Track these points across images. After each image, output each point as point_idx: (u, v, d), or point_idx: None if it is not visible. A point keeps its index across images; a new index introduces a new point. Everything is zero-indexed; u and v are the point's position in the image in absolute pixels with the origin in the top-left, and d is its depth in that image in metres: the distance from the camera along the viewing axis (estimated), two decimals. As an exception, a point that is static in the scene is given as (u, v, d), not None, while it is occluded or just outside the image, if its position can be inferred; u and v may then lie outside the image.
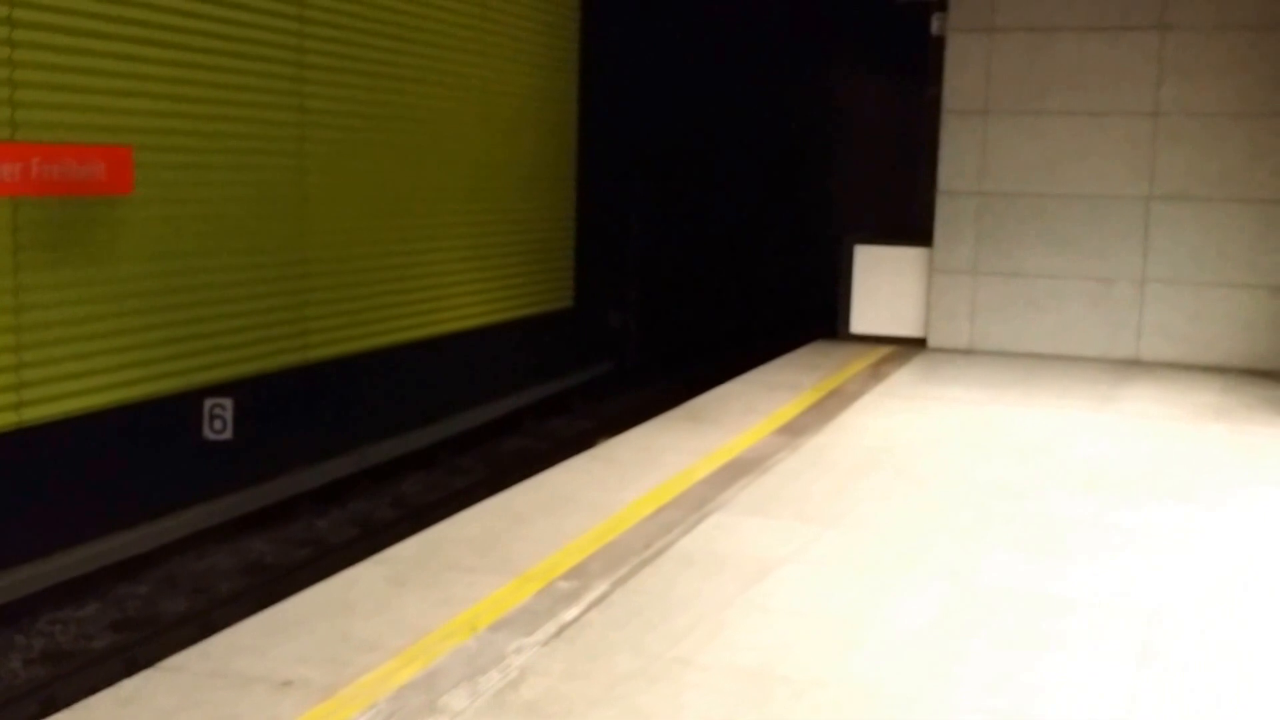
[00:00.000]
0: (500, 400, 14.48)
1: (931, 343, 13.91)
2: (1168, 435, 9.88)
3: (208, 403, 9.80)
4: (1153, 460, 9.06)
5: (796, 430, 9.65)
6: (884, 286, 14.39)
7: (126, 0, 9.09)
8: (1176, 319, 13.10)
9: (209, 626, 7.37)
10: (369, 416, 11.96)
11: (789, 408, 10.50)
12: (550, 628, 5.56)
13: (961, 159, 13.68)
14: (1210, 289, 12.98)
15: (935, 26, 13.80)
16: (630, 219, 17.09)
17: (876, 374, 12.27)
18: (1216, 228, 12.91)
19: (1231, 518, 7.66)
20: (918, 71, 14.75)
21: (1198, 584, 6.43)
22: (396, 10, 12.30)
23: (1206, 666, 5.38)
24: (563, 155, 15.54)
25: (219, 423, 9.82)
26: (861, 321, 14.50)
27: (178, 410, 9.56)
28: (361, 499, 11.56)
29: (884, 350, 13.69)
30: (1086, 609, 6.00)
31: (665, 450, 8.90)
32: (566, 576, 6.22)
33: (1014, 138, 13.46)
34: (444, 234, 13.48)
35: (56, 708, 5.40)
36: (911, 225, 14.76)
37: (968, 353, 13.65)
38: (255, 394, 10.20)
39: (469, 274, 14.02)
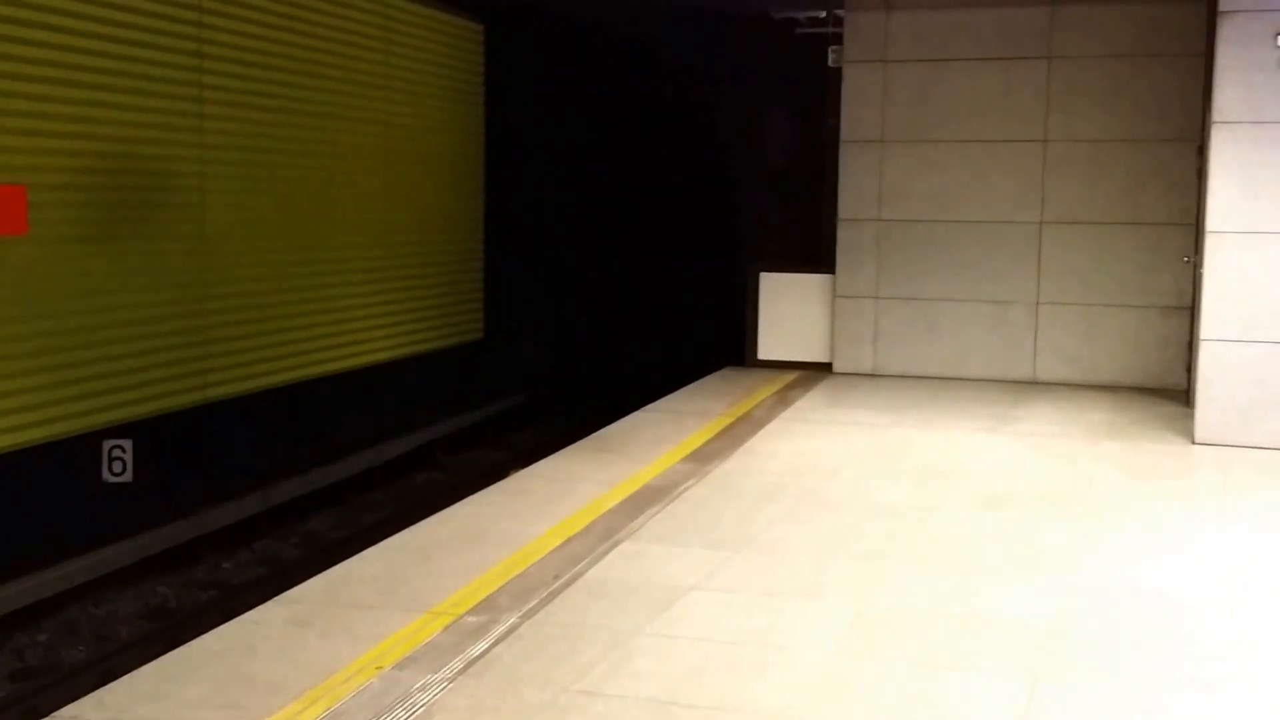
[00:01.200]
0: (410, 435, 14.32)
1: (836, 367, 14.00)
2: (1064, 454, 10.01)
3: (107, 444, 9.56)
4: (1049, 479, 9.16)
5: (705, 457, 9.65)
6: (789, 313, 14.48)
7: (24, 38, 8.90)
8: (1069, 340, 13.31)
9: (109, 675, 7.16)
10: (274, 454, 11.76)
11: (697, 435, 10.49)
12: (457, 663, 5.48)
13: (860, 188, 13.82)
14: (1101, 310, 13.21)
15: (832, 58, 13.95)
16: (540, 251, 17.04)
17: (783, 400, 12.32)
18: (1105, 250, 13.15)
19: (1125, 534, 7.76)
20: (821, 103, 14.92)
21: (1092, 600, 6.50)
22: (299, 45, 12.18)
23: (1100, 684, 5.42)
24: (471, 188, 15.47)
25: (119, 465, 9.58)
26: (768, 348, 14.57)
27: (76, 453, 9.31)
28: (268, 538, 11.34)
29: (790, 376, 13.76)
30: (985, 627, 6.04)
31: (574, 480, 8.85)
32: (474, 611, 6.14)
33: (910, 166, 13.63)
34: (350, 268, 13.34)
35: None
36: (819, 254, 14.92)
37: (872, 376, 13.76)
38: (156, 434, 9.98)
39: (377, 308, 13.88)
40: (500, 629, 5.88)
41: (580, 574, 6.74)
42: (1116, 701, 5.20)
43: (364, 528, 11.53)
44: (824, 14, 14.31)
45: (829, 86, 14.12)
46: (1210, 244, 10.44)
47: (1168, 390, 12.73)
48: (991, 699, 5.20)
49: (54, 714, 4.90)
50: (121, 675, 5.36)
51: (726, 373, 14.08)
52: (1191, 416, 10.64)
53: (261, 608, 6.10)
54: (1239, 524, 8.03)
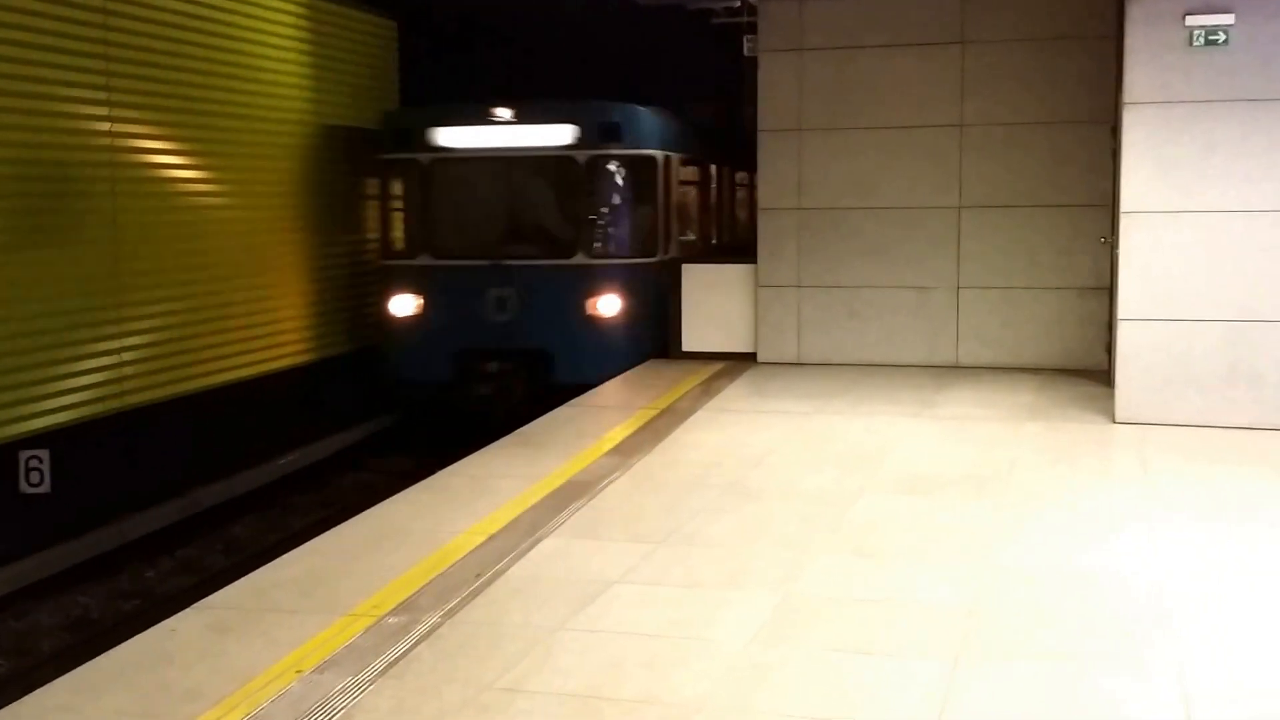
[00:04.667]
0: (334, 436, 14.26)
1: (761, 357, 14.11)
2: (986, 437, 10.17)
3: (23, 455, 9.46)
4: (971, 462, 9.32)
5: (628, 451, 9.71)
6: (713, 304, 14.57)
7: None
8: (991, 323, 13.51)
9: (31, 688, 7.09)
10: (196, 460, 11.67)
11: (621, 429, 10.55)
12: (378, 665, 5.50)
13: (779, 177, 13.93)
14: (1021, 293, 13.42)
15: (747, 48, 14.05)
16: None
17: (708, 390, 12.40)
18: (1024, 233, 13.36)
19: (1046, 515, 7.92)
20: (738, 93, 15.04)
21: (1012, 582, 6.63)
22: (209, 48, 12.09)
23: (1021, 665, 5.54)
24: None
25: (36, 475, 9.48)
26: (692, 339, 14.65)
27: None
28: (192, 546, 11.26)
29: (715, 367, 13.85)
30: (907, 611, 6.14)
31: (497, 477, 8.87)
32: (395, 611, 6.15)
33: (828, 154, 13.75)
34: (267, 271, 13.26)
35: None
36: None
37: (796, 365, 13.88)
38: (73, 444, 9.88)
39: (296, 310, 13.81)
40: (421, 629, 5.91)
41: (502, 571, 6.77)
42: (1037, 682, 5.31)
43: (292, 533, 11.45)
44: (739, 3, 14.39)
45: (744, 75, 14.22)
46: (1125, 224, 10.65)
47: (1089, 371, 12.96)
48: (912, 682, 5.30)
49: (-33, 729, 4.92)
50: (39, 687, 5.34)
51: (652, 365, 14.14)
52: (1112, 396, 10.85)
53: (179, 615, 6.08)
54: (1158, 504, 8.21)
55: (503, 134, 14.19)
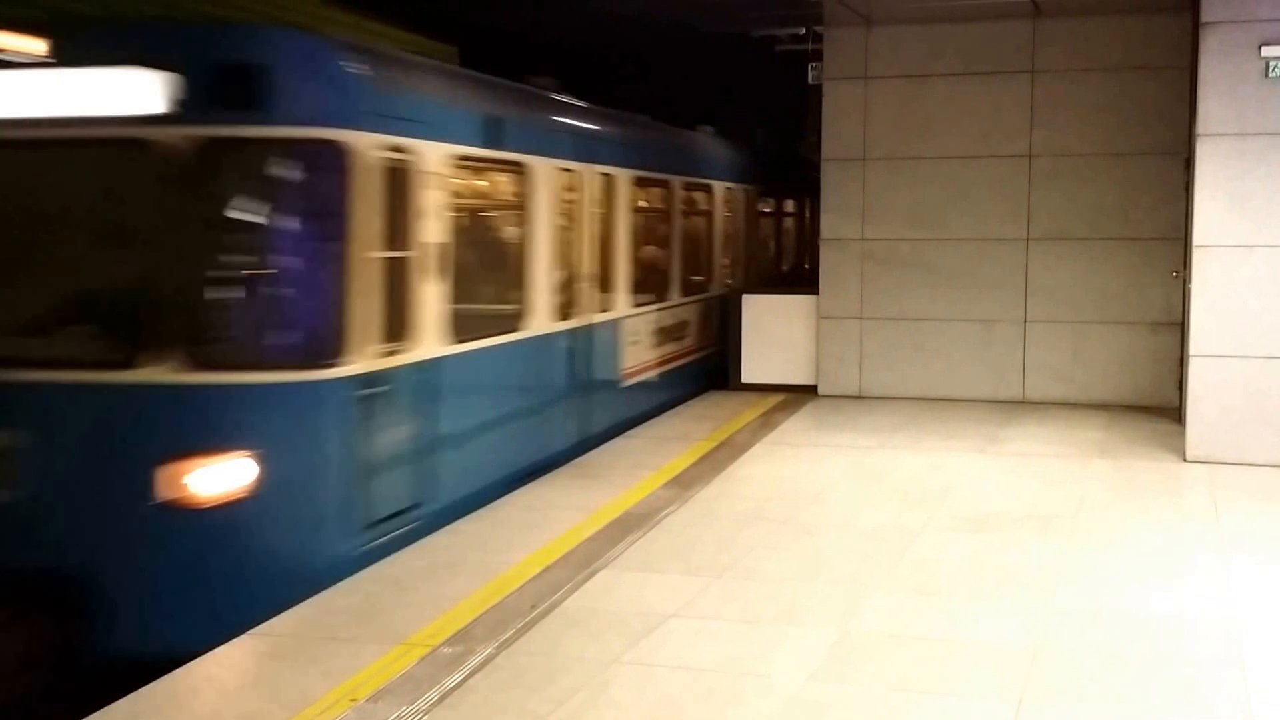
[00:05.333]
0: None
1: (822, 389, 14.11)
2: (1052, 474, 10.13)
3: None
4: (1037, 500, 9.28)
5: (686, 483, 9.75)
6: (773, 335, 14.58)
7: None
8: (1059, 358, 13.43)
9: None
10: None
11: (679, 460, 10.59)
12: (433, 695, 5.56)
13: (843, 206, 13.95)
14: (1090, 327, 13.34)
15: (812, 75, 14.09)
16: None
17: (767, 423, 12.42)
18: (1093, 266, 13.29)
19: (1113, 555, 7.87)
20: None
21: (1078, 623, 6.60)
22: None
23: (1087, 709, 5.52)
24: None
25: None
26: (752, 371, 14.67)
27: None
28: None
29: (775, 399, 13.87)
30: (968, 651, 6.14)
31: (553, 508, 8.94)
32: (450, 642, 6.22)
33: (892, 183, 13.76)
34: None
35: None
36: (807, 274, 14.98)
37: (858, 398, 13.87)
38: None
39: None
40: (476, 659, 5.97)
41: (558, 603, 6.83)
42: (1098, 723, 5.30)
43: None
44: (803, 31, 14.44)
45: (809, 103, 14.26)
46: (1197, 258, 10.60)
47: (1160, 407, 12.86)
48: (972, 722, 5.30)
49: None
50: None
51: (710, 397, 14.18)
52: (1183, 434, 10.77)
53: (235, 641, 6.17)
54: (1230, 545, 8.14)
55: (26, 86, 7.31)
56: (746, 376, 14.63)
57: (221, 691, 5.59)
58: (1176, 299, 12.74)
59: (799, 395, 14.05)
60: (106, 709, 5.40)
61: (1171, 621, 6.60)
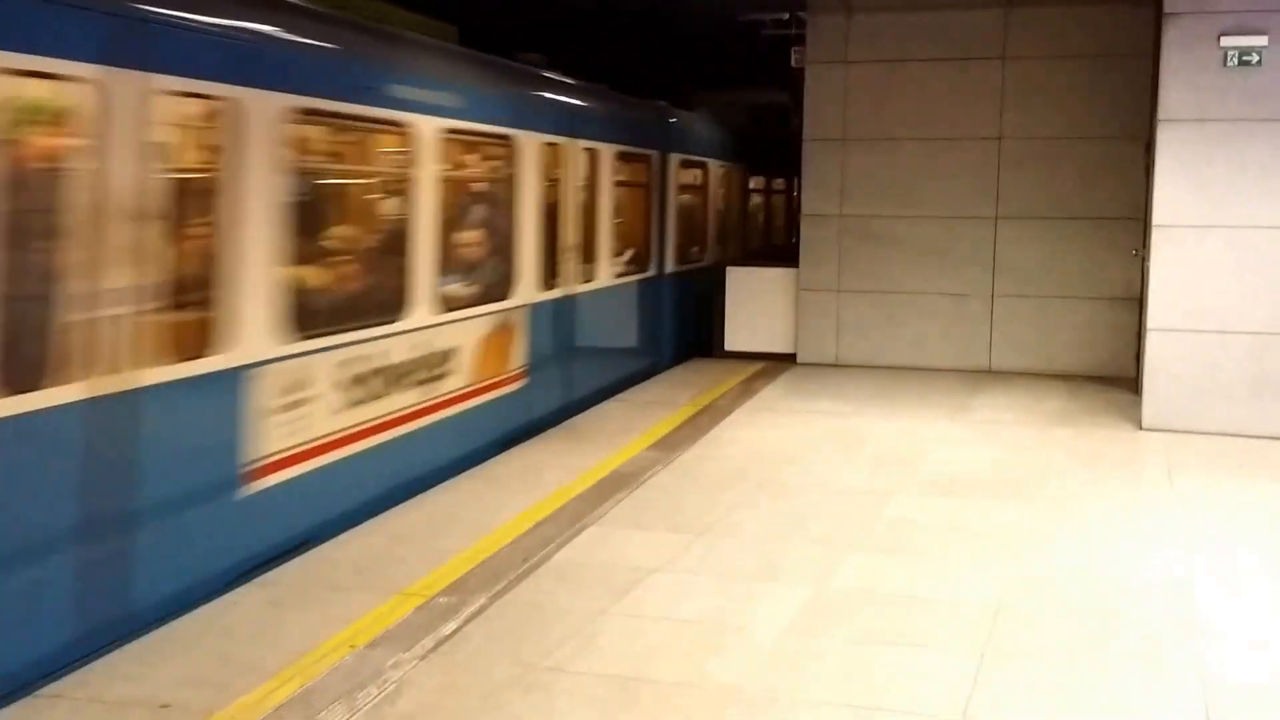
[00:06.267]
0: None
1: (801, 358, 14.10)
2: (1017, 441, 10.13)
3: None
4: (1001, 465, 9.29)
5: (670, 446, 9.73)
6: (755, 306, 14.56)
7: None
8: (1024, 331, 13.45)
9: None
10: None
11: (663, 424, 10.57)
12: (428, 642, 5.55)
13: (823, 184, 13.92)
14: (1054, 301, 13.35)
15: (795, 59, 14.04)
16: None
17: (748, 389, 12.40)
18: (1058, 244, 13.29)
19: (1073, 518, 7.88)
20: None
21: (1039, 583, 6.61)
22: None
23: (1048, 664, 5.53)
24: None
25: None
26: (734, 340, 14.65)
27: None
28: None
29: (756, 367, 13.85)
30: (935, 608, 6.14)
31: (544, 468, 8.92)
32: (445, 592, 6.20)
33: (870, 163, 13.73)
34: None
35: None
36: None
37: (835, 367, 13.86)
38: None
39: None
40: (470, 609, 5.96)
41: (548, 557, 6.81)
42: (1063, 680, 5.30)
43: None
44: (787, 16, 14.38)
45: (791, 86, 14.20)
46: (1156, 237, 10.59)
47: (1118, 378, 12.87)
48: (940, 675, 5.30)
49: (37, 692, 4.95)
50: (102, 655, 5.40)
51: (694, 364, 14.16)
52: (1140, 404, 10.78)
53: (239, 589, 6.15)
54: (1183, 509, 8.16)
55: None
56: (729, 345, 14.61)
57: (225, 637, 5.56)
58: (1135, 276, 12.73)
59: (778, 364, 14.03)
60: (112, 654, 5.37)
61: (1128, 583, 6.61)
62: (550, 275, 10.68)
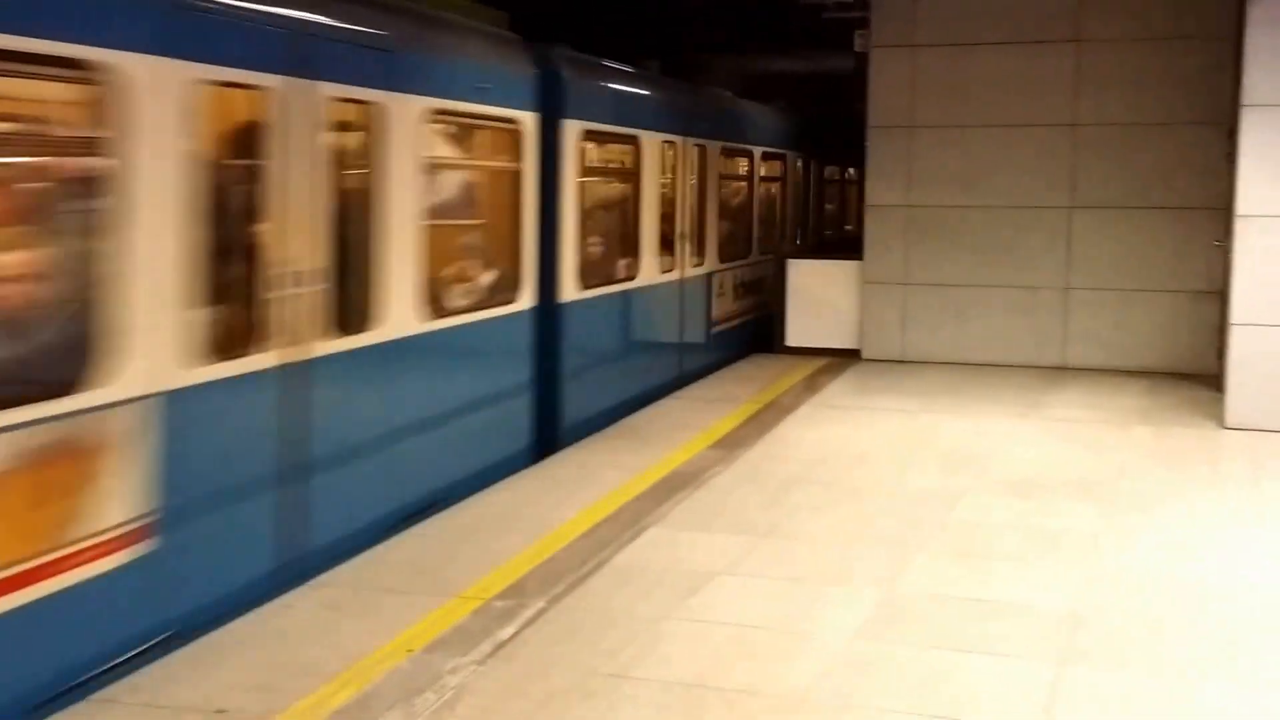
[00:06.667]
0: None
1: (865, 354, 14.02)
2: (1094, 440, 10.02)
3: None
4: (1078, 465, 9.18)
5: (732, 444, 9.70)
6: (818, 300, 14.50)
7: None
8: (1100, 325, 13.30)
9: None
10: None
11: (725, 422, 10.55)
12: (486, 647, 5.56)
13: (889, 173, 13.83)
14: (1132, 294, 13.19)
15: (859, 43, 13.95)
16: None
17: (811, 386, 12.35)
18: (1137, 235, 13.13)
19: (1154, 520, 7.78)
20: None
21: (1119, 587, 6.53)
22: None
23: (1123, 667, 5.46)
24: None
25: None
26: (796, 335, 14.60)
27: None
28: None
29: (819, 363, 13.79)
30: (1011, 612, 6.08)
31: (602, 467, 8.92)
32: (503, 595, 6.22)
33: (937, 151, 13.63)
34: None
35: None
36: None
37: (900, 362, 13.77)
38: None
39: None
40: (528, 613, 5.96)
41: (607, 559, 6.81)
42: (1143, 689, 5.23)
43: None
44: (851, -1, 14.30)
45: (855, 71, 14.13)
46: (1239, 227, 10.43)
47: (1199, 375, 12.69)
48: (1018, 683, 5.25)
49: (89, 696, 5.00)
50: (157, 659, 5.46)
51: (755, 359, 14.12)
52: (1222, 401, 10.63)
53: (294, 591, 6.19)
54: (1269, 512, 8.03)
55: None
56: (791, 340, 14.56)
57: (280, 641, 5.60)
58: (1217, 267, 12.55)
59: (842, 359, 13.96)
60: (170, 656, 5.42)
61: (1211, 587, 6.51)
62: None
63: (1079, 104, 13.20)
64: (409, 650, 5.49)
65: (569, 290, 9.96)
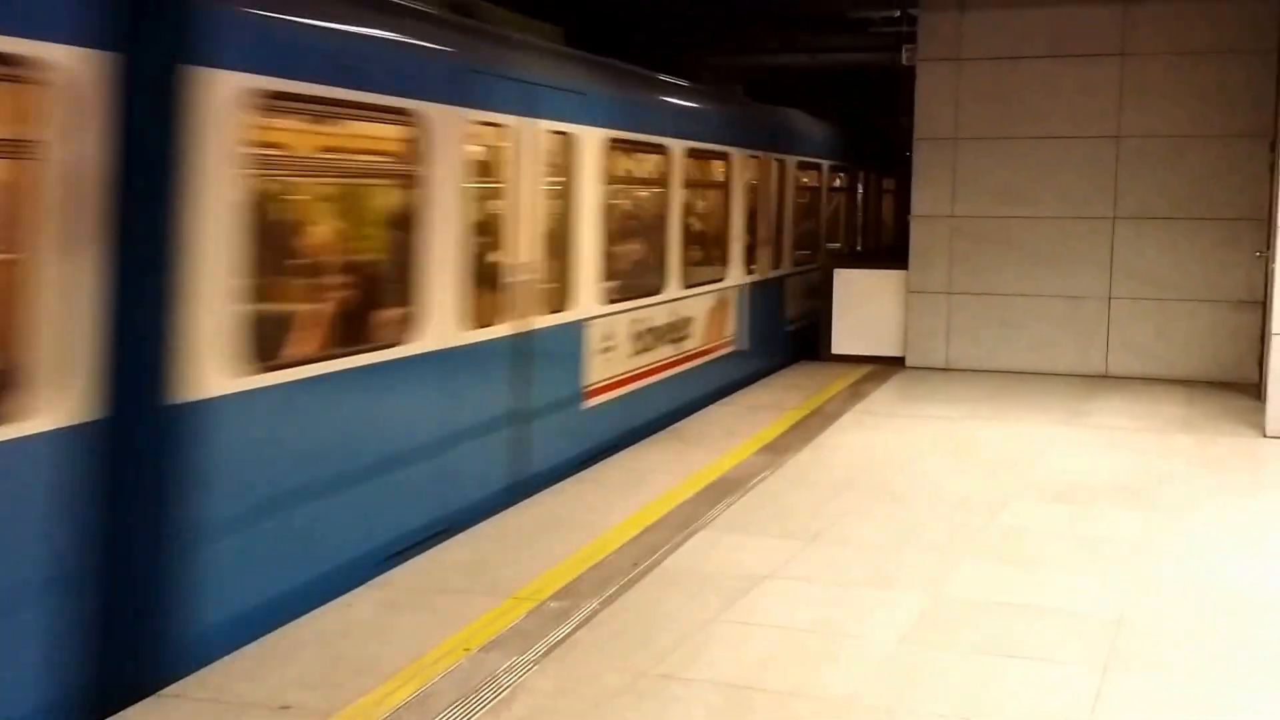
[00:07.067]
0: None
1: (910, 361, 13.98)
2: (1135, 447, 9.95)
3: None
4: (1120, 472, 9.12)
5: (779, 450, 9.71)
6: (863, 308, 14.48)
7: None
8: (1142, 334, 13.20)
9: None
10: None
11: (771, 428, 10.55)
12: (540, 647, 5.60)
13: (934, 184, 13.80)
14: (1173, 304, 13.09)
15: (905, 57, 13.93)
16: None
17: (856, 393, 12.33)
18: (1179, 246, 13.03)
19: (1196, 528, 7.72)
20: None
21: (1162, 593, 6.49)
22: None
23: (1167, 673, 5.43)
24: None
25: None
26: (842, 342, 14.58)
27: None
28: None
29: (864, 370, 13.76)
30: (1055, 618, 6.06)
31: (652, 472, 8.95)
32: (556, 596, 6.26)
33: (983, 163, 13.58)
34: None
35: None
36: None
37: (945, 371, 13.73)
38: None
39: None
40: (581, 614, 6.00)
41: (658, 562, 6.84)
42: (1191, 696, 5.20)
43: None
44: (898, 13, 14.27)
45: (902, 84, 14.09)
46: (1282, 239, 10.33)
47: (1241, 384, 12.58)
48: (1062, 688, 5.23)
49: (159, 693, 5.08)
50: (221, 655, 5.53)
51: (801, 367, 14.11)
52: (1263, 410, 10.53)
53: (355, 591, 6.26)
54: (1310, 518, 7.95)
55: None
56: (836, 348, 14.55)
57: (341, 639, 5.66)
58: (1259, 278, 12.44)
59: (887, 367, 13.93)
60: (234, 654, 5.49)
61: (1255, 596, 6.46)
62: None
63: (1123, 116, 13.12)
64: (466, 649, 5.54)
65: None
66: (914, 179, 13.95)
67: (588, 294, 9.18)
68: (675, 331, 11.01)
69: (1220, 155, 12.82)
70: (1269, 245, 11.25)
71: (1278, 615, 6.16)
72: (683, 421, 10.85)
